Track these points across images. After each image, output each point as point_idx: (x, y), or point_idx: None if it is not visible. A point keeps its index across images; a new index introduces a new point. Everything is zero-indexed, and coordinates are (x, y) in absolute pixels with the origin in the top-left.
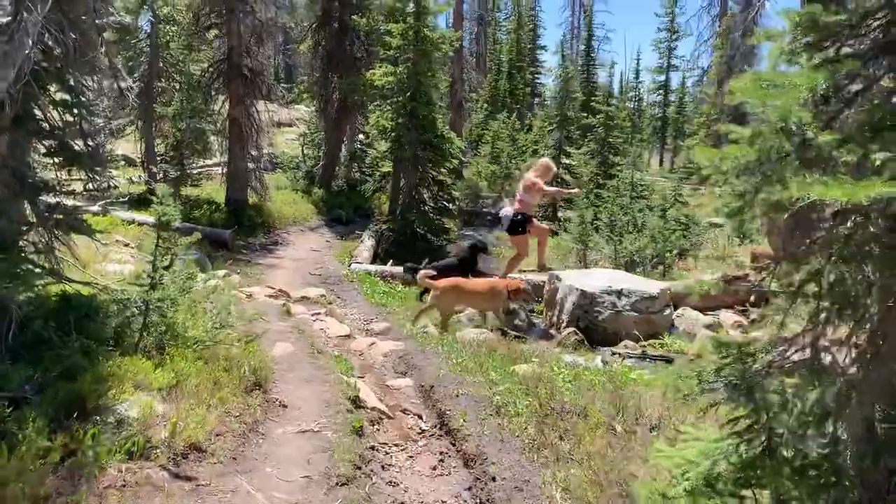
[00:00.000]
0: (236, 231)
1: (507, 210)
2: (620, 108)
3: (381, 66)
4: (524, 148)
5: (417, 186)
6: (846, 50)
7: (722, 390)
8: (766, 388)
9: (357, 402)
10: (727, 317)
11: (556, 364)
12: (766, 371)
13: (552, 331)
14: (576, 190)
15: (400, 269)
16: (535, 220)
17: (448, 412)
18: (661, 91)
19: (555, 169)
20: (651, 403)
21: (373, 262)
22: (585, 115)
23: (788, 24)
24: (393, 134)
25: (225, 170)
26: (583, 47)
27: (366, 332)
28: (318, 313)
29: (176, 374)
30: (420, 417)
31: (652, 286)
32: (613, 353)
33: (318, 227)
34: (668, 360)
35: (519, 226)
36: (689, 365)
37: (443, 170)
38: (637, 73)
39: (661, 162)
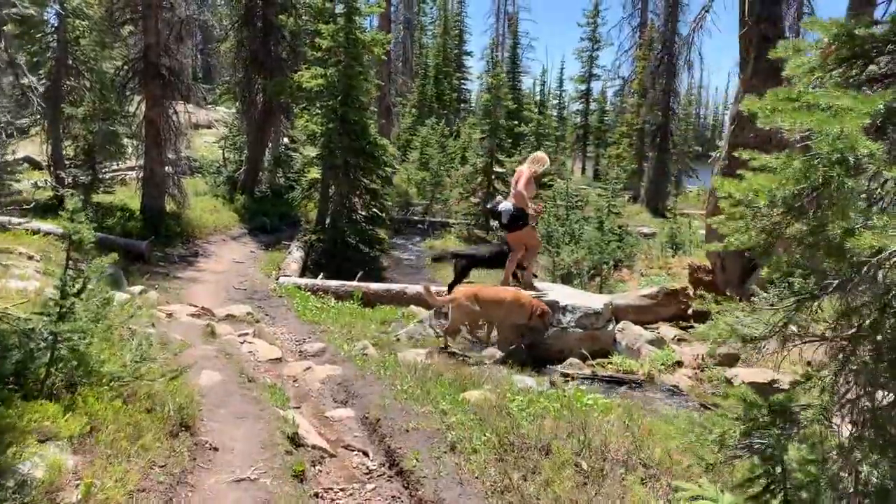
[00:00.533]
0: (153, 241)
1: (507, 203)
2: (546, 116)
3: (309, 68)
4: (453, 155)
5: (349, 195)
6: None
7: (749, 457)
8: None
9: (296, 441)
10: (668, 331)
11: (510, 389)
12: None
13: (494, 348)
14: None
15: (333, 282)
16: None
17: (398, 450)
18: (583, 100)
19: (548, 163)
20: (613, 434)
21: (302, 274)
22: (517, 122)
23: (824, 35)
24: (323, 139)
25: (140, 175)
26: (508, 55)
27: (299, 353)
28: (246, 334)
29: (90, 419)
30: (366, 454)
31: (595, 301)
32: (563, 375)
33: (241, 236)
34: (619, 382)
35: (519, 220)
36: (705, 421)
37: (375, 178)
38: (560, 81)
39: (584, 170)
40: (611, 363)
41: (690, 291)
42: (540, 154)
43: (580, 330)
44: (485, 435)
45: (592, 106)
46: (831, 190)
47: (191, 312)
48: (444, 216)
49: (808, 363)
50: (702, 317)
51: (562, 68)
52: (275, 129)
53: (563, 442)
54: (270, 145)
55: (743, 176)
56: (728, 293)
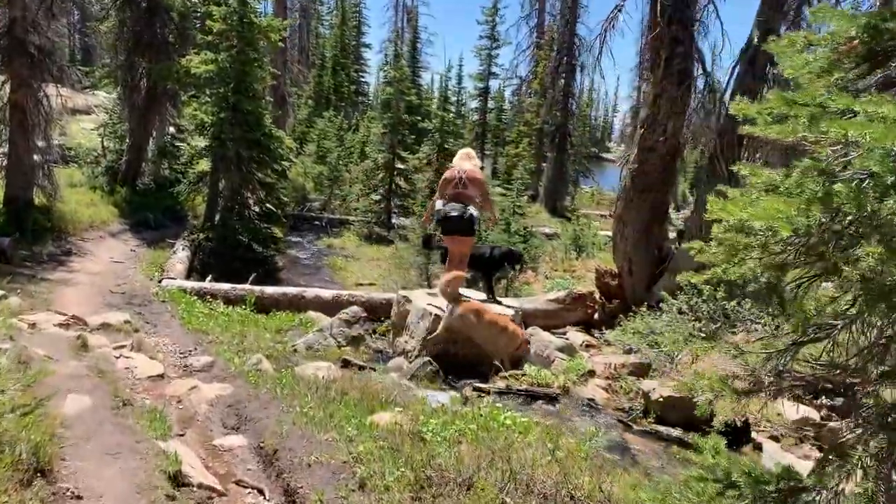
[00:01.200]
0: (17, 238)
1: (473, 210)
2: (448, 112)
3: (199, 53)
4: (352, 149)
5: (241, 189)
6: None
7: None
8: None
9: (179, 480)
10: (576, 336)
11: (422, 410)
12: None
13: (402, 359)
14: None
15: (223, 285)
16: None
17: (299, 489)
18: (481, 98)
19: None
20: (538, 462)
21: (188, 276)
22: (420, 118)
23: (847, 27)
24: (213, 129)
25: (4, 163)
26: (407, 49)
27: (184, 369)
28: (123, 346)
29: None
30: (261, 493)
31: (501, 308)
32: (476, 389)
33: (121, 233)
34: (535, 396)
35: (475, 225)
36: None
37: (270, 171)
38: (459, 78)
39: (482, 168)
40: (525, 375)
41: (597, 296)
42: (471, 150)
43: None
44: (398, 469)
45: (490, 104)
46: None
47: (59, 322)
48: (344, 213)
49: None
50: (609, 321)
51: (460, 65)
52: (160, 116)
53: (485, 473)
54: (155, 134)
55: (728, 196)
56: (635, 297)
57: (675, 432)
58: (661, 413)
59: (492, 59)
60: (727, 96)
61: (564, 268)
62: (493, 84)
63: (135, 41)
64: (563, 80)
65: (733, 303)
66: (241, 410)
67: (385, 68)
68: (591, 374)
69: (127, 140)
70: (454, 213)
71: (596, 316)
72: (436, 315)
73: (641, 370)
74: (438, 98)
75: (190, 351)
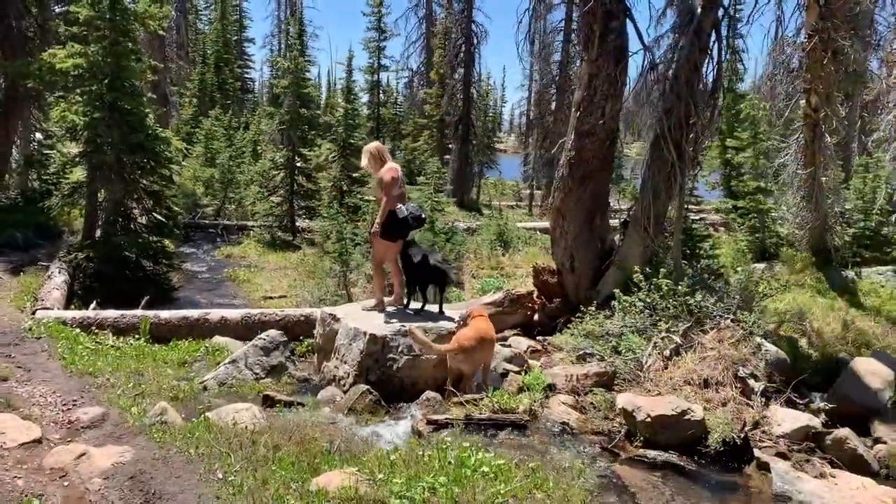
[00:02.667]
0: None
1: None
2: (351, 103)
3: (63, 47)
4: (243, 148)
5: (124, 199)
6: None
7: None
8: None
9: None
10: (519, 342)
11: (378, 462)
12: None
13: (333, 388)
14: None
15: (110, 313)
16: None
17: None
18: (373, 91)
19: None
20: None
21: (68, 304)
22: (319, 112)
23: None
24: (87, 133)
25: None
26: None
27: (68, 426)
28: None
29: None
30: None
31: (443, 320)
32: (430, 422)
33: None
34: (499, 425)
35: None
36: None
37: (157, 178)
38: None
39: None
40: (482, 400)
41: (536, 296)
42: (380, 145)
43: (434, 356)
44: None
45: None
46: None
47: None
48: (241, 218)
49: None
50: (550, 322)
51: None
52: (23, 121)
53: None
54: (19, 142)
55: None
56: (579, 296)
57: (669, 457)
58: (649, 435)
59: (381, 52)
60: (670, 72)
61: (491, 265)
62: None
63: None
64: (462, 70)
65: (698, 297)
66: (148, 483)
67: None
68: (552, 388)
69: None
70: (421, 215)
71: (536, 317)
72: (371, 335)
73: (606, 380)
74: (342, 90)
75: (75, 401)
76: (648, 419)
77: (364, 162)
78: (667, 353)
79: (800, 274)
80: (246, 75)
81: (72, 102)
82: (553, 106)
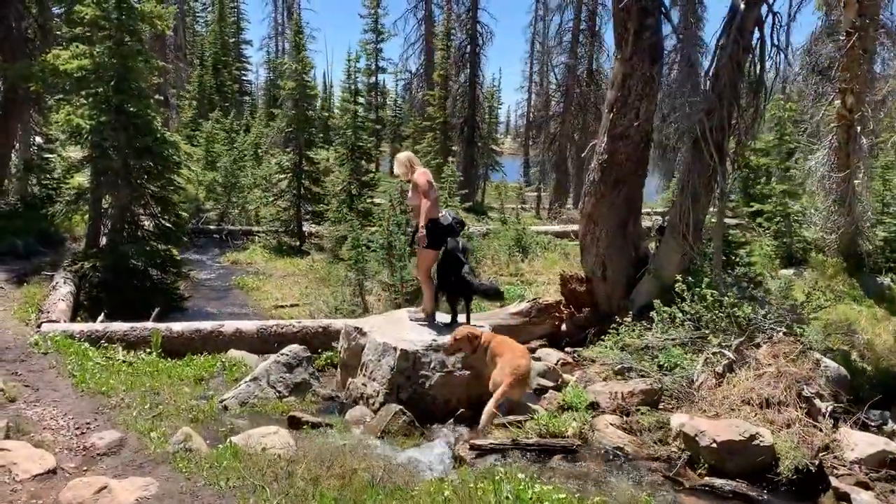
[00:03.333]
0: None
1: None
2: (359, 105)
3: (67, 47)
4: (244, 151)
5: (131, 206)
6: None
7: None
8: None
9: None
10: (549, 355)
11: (431, 500)
12: None
13: (362, 408)
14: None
15: (119, 325)
16: None
17: None
18: (372, 93)
19: None
20: None
21: (75, 316)
22: (327, 114)
23: None
24: (92, 137)
25: None
26: (291, 45)
27: (83, 454)
28: None
29: None
30: None
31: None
32: (473, 447)
33: None
34: (548, 451)
35: None
36: None
37: (165, 183)
38: (349, 73)
39: (378, 166)
40: (526, 421)
41: (563, 305)
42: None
43: (467, 372)
44: None
45: (381, 100)
46: None
47: None
48: (245, 223)
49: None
50: (578, 333)
51: (348, 60)
52: (23, 125)
53: None
54: (18, 146)
55: None
56: (611, 305)
57: (738, 486)
58: (714, 462)
59: (378, 54)
60: (712, 71)
61: (510, 272)
62: (384, 79)
63: None
64: (468, 71)
65: (747, 308)
66: None
67: (281, 62)
68: (594, 406)
69: None
70: (462, 220)
71: (563, 327)
72: (402, 351)
73: (652, 397)
74: (350, 92)
75: (88, 424)
76: (714, 445)
77: (397, 170)
78: (719, 369)
79: (832, 280)
80: (244, 77)
81: (76, 105)
82: (560, 108)
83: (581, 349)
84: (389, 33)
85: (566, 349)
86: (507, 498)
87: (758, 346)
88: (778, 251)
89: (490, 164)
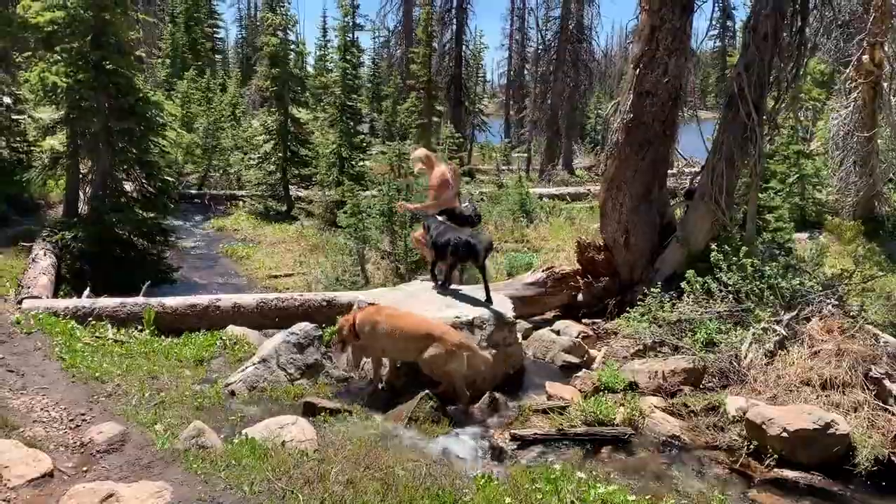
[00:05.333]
0: None
1: None
2: (348, 62)
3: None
4: (223, 112)
5: (113, 171)
6: None
7: None
8: None
9: None
10: (569, 327)
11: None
12: None
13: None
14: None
15: (108, 301)
16: None
17: None
18: (347, 51)
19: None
20: None
21: (57, 291)
22: (314, 72)
23: None
24: (69, 96)
25: None
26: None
27: (80, 451)
28: None
29: None
30: None
31: (499, 307)
32: (514, 437)
33: None
34: (598, 440)
35: None
36: None
37: (151, 146)
38: (324, 31)
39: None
40: (567, 408)
41: (580, 275)
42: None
43: (493, 350)
44: None
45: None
46: None
47: None
48: (226, 187)
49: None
50: (596, 303)
51: (324, 16)
52: None
53: None
54: None
55: None
56: (633, 274)
57: (813, 479)
58: (785, 452)
59: (355, 11)
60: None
61: (515, 238)
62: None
63: None
64: (454, 27)
65: (795, 280)
66: None
67: (265, 16)
68: (633, 387)
69: None
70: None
71: (580, 298)
72: None
73: (695, 377)
74: (339, 48)
75: (83, 415)
76: (784, 434)
77: (416, 168)
78: (769, 346)
79: (849, 245)
80: (216, 35)
81: (51, 62)
82: (552, 67)
83: (601, 321)
84: None
85: (584, 321)
86: (570, 495)
87: (807, 319)
88: (791, 213)
89: (477, 125)
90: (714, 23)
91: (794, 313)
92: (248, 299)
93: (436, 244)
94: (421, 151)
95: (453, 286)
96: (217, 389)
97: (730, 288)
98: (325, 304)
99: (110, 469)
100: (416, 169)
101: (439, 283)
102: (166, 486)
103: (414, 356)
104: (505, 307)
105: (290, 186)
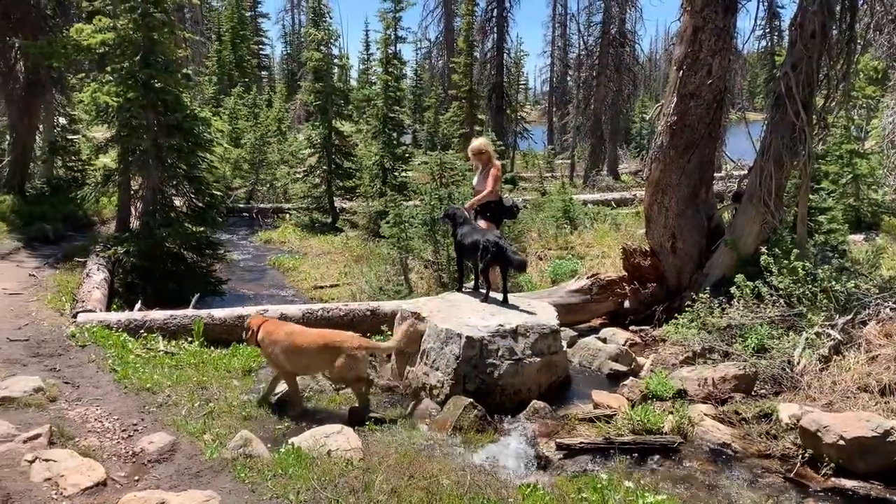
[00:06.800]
0: None
1: None
2: (391, 75)
3: (88, 22)
4: (269, 127)
5: (162, 187)
6: None
7: None
8: None
9: None
10: (615, 334)
11: None
12: None
13: (428, 401)
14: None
15: (158, 314)
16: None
17: None
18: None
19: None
20: None
21: (110, 305)
22: (359, 86)
23: None
24: (120, 115)
25: None
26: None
27: (132, 460)
28: (37, 436)
29: None
30: None
31: (543, 315)
32: (560, 446)
33: (13, 253)
34: (647, 449)
35: None
36: None
37: (199, 161)
38: (367, 44)
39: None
40: (615, 416)
41: (626, 281)
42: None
43: (537, 359)
44: None
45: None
46: None
47: None
48: (273, 200)
49: None
50: (643, 310)
51: (366, 30)
52: (46, 106)
53: None
54: (42, 128)
55: None
56: (681, 280)
57: (874, 489)
58: (842, 461)
59: (397, 23)
60: (798, 20)
61: (559, 245)
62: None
63: (3, 16)
64: (495, 35)
65: (850, 283)
66: None
67: (307, 32)
68: (682, 394)
69: (7, 137)
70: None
71: (626, 304)
72: (468, 338)
73: (746, 383)
74: (380, 61)
75: (135, 425)
76: (841, 442)
77: (474, 155)
78: (824, 351)
79: None
80: (261, 52)
81: (103, 82)
82: (595, 72)
83: (648, 328)
84: (408, 2)
85: (631, 328)
86: None
87: (864, 323)
88: (845, 215)
89: (519, 132)
90: (759, 22)
91: (850, 317)
92: (294, 310)
93: (461, 245)
94: (483, 141)
95: (493, 294)
96: (264, 398)
97: (781, 292)
98: (369, 313)
99: (161, 478)
100: (472, 159)
101: (480, 290)
102: (214, 495)
103: (320, 369)
104: (549, 315)
105: (334, 198)
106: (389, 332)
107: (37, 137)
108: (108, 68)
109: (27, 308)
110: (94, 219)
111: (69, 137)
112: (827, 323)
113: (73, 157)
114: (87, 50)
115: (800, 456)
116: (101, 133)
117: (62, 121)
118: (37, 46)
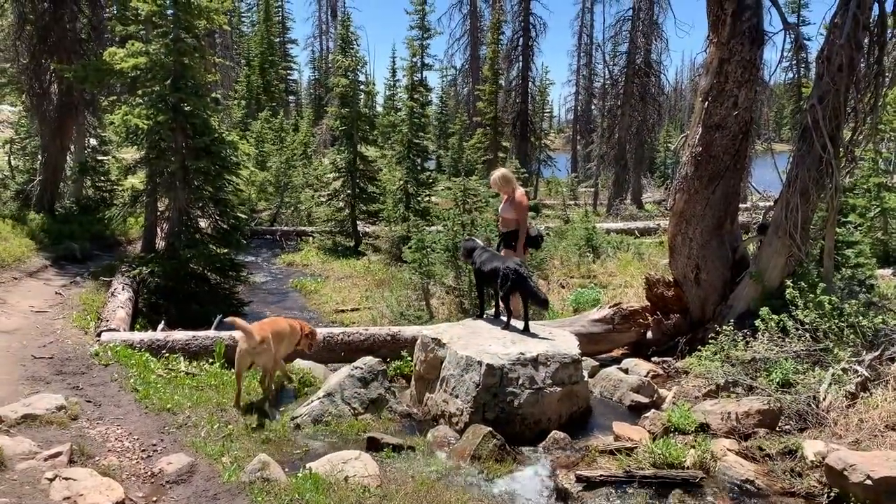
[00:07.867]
0: None
1: None
2: (416, 101)
3: (121, 46)
4: (295, 151)
5: (189, 209)
6: None
7: None
8: None
9: None
10: (637, 366)
11: None
12: None
13: (446, 428)
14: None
15: (180, 334)
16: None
17: None
18: (417, 90)
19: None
20: None
21: (134, 324)
22: (385, 111)
23: None
24: (149, 137)
25: None
26: (335, 44)
27: (151, 481)
28: (58, 454)
29: None
30: None
31: (564, 344)
32: (580, 479)
33: (41, 270)
34: (667, 483)
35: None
36: None
37: (225, 184)
38: (393, 71)
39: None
40: (629, 449)
41: (649, 311)
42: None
43: (558, 388)
44: None
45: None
46: None
47: None
48: (298, 223)
49: None
50: (666, 341)
51: (393, 57)
52: (77, 127)
53: None
54: (73, 149)
55: None
56: (705, 311)
57: None
58: (868, 502)
59: (424, 50)
60: (824, 53)
61: (582, 273)
62: (428, 76)
63: (39, 39)
64: (520, 64)
65: (877, 318)
66: None
67: (335, 59)
68: (705, 428)
69: (39, 157)
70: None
71: (649, 335)
72: (488, 366)
73: (770, 418)
74: (407, 87)
75: (154, 446)
76: (868, 482)
77: (495, 186)
78: (850, 387)
79: None
80: (289, 77)
81: (134, 105)
82: (619, 101)
83: (671, 359)
84: (435, 30)
85: (653, 359)
86: None
87: (892, 360)
88: (873, 249)
89: (543, 160)
90: (786, 54)
91: (878, 353)
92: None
93: (480, 272)
94: (503, 172)
95: (514, 321)
96: (283, 422)
97: (807, 326)
98: (389, 338)
99: (178, 500)
100: (495, 189)
101: (501, 318)
102: None
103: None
104: (570, 344)
105: (357, 222)
106: (409, 358)
107: (68, 158)
108: (140, 91)
109: (53, 326)
110: (121, 238)
111: (99, 158)
112: (854, 359)
113: (102, 178)
114: (120, 73)
115: (825, 495)
116: (130, 154)
117: (93, 142)
118: (71, 69)
